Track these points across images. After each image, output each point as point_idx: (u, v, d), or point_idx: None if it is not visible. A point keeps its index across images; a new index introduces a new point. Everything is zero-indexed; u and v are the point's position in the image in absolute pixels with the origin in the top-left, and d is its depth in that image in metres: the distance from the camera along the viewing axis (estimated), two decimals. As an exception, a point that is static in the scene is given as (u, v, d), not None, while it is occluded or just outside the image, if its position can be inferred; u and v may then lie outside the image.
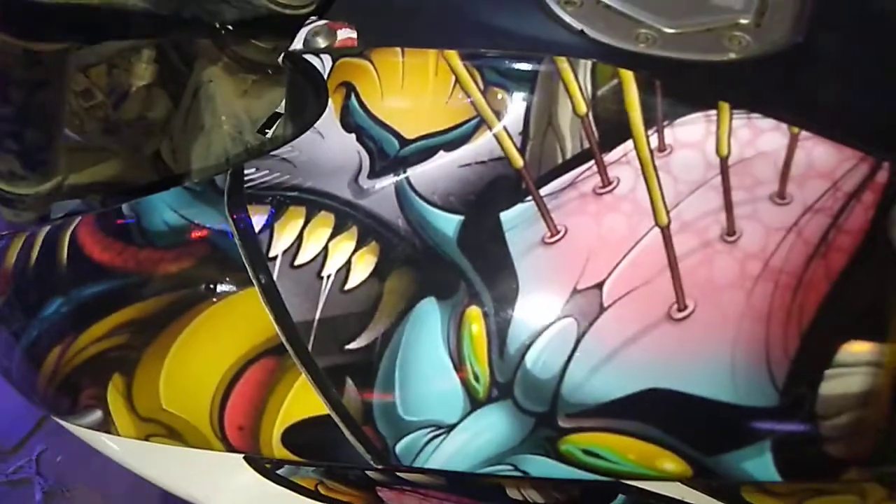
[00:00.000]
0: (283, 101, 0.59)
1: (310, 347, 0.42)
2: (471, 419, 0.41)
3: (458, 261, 0.41)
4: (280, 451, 0.44)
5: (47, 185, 0.59)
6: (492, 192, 0.41)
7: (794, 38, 0.44)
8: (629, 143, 0.40)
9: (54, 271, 0.48)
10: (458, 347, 0.40)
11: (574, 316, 0.39)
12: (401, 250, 0.42)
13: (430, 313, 0.41)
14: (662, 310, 0.38)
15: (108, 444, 0.54)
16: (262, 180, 0.44)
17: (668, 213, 0.39)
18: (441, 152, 0.42)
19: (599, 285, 0.39)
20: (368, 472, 0.48)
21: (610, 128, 0.40)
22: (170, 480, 0.55)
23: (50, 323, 0.47)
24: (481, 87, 0.42)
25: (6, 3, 0.45)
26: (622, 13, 0.45)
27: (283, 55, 0.48)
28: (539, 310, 0.40)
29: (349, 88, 0.44)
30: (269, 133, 0.63)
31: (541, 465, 0.41)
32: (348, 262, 0.42)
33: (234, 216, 0.43)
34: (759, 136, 0.39)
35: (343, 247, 0.42)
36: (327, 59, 0.45)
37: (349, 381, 0.42)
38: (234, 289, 0.43)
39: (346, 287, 0.42)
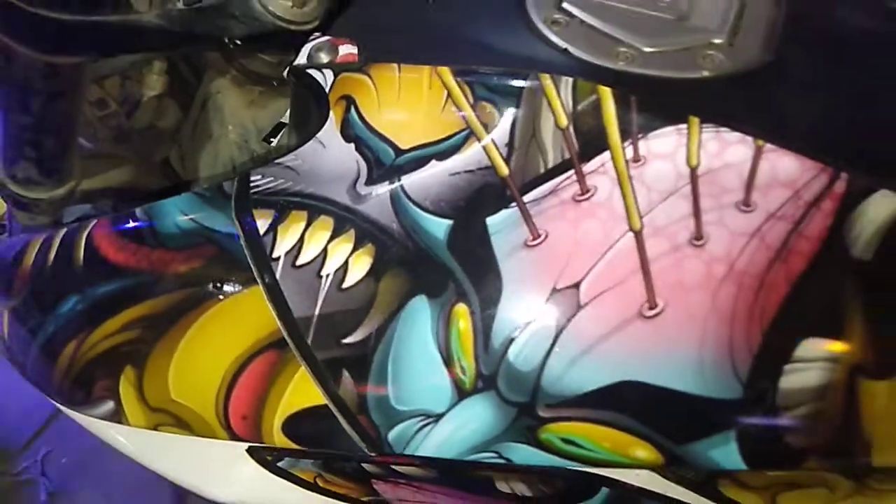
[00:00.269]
0: (288, 112, 0.60)
1: (309, 341, 0.44)
2: (458, 409, 0.43)
3: (448, 262, 0.43)
4: (281, 440, 0.47)
5: (62, 191, 0.59)
6: (479, 199, 0.43)
7: (764, 57, 0.45)
8: (606, 154, 0.42)
9: (71, 270, 0.50)
10: (447, 342, 0.43)
11: (553, 313, 0.41)
12: (394, 252, 0.44)
13: (420, 310, 0.43)
14: (635, 308, 0.40)
15: (117, 438, 0.56)
16: (266, 186, 0.46)
17: (640, 218, 0.41)
18: (433, 161, 0.44)
19: (577, 285, 0.41)
20: (364, 465, 0.50)
21: (589, 140, 0.42)
22: (175, 472, 0.57)
23: (66, 319, 0.50)
24: (471, 101, 0.44)
25: (29, 20, 0.46)
26: (604, 33, 0.46)
27: (287, 69, 0.50)
28: (521, 308, 0.42)
29: (349, 101, 0.46)
30: (274, 142, 0.65)
31: (523, 453, 0.43)
32: (346, 263, 0.44)
33: (241, 220, 0.46)
34: (727, 149, 0.41)
35: (341, 248, 0.44)
36: (329, 73, 0.48)
37: (345, 373, 0.44)
38: (240, 287, 0.46)
39: (344, 286, 0.44)
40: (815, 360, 0.40)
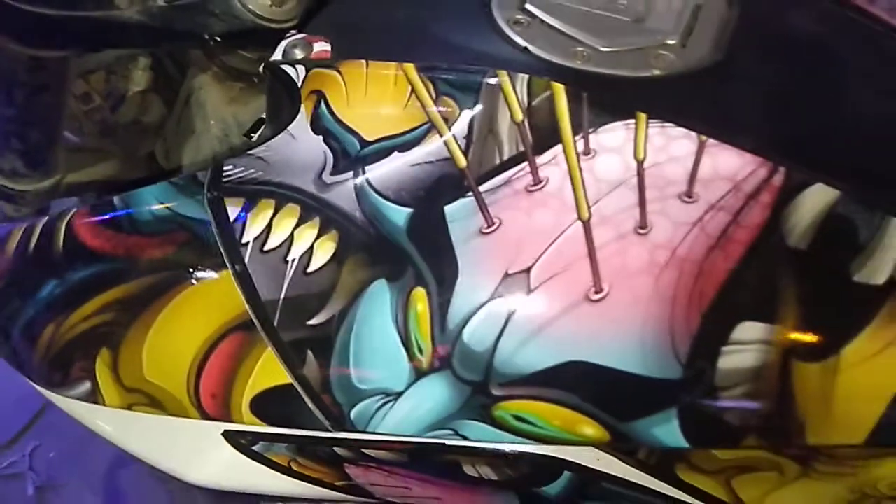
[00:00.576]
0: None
1: (275, 323, 0.46)
2: (415, 387, 0.44)
3: (407, 248, 0.45)
4: (249, 418, 0.48)
5: (47, 183, 0.60)
6: (438, 189, 0.45)
7: (715, 57, 0.47)
8: (558, 147, 0.44)
9: (50, 256, 0.52)
10: (405, 324, 0.44)
11: (505, 297, 0.43)
12: (357, 238, 0.46)
13: (381, 294, 0.45)
14: (581, 292, 0.42)
15: (97, 422, 0.57)
16: (238, 175, 0.48)
17: (589, 208, 0.43)
18: (396, 153, 0.46)
19: (527, 270, 0.43)
20: (336, 450, 0.51)
21: (542, 134, 0.44)
22: (152, 454, 0.58)
23: (45, 303, 0.52)
24: (433, 96, 0.46)
25: (13, 14, 0.48)
26: (563, 33, 0.48)
27: (263, 65, 0.52)
28: (475, 291, 0.43)
29: (319, 96, 0.48)
30: (255, 137, 0.66)
31: (478, 430, 0.45)
32: (311, 248, 0.46)
33: (212, 207, 0.47)
34: (672, 143, 0.43)
35: (307, 235, 0.46)
36: (301, 69, 0.49)
37: (309, 354, 0.46)
38: (210, 271, 0.47)
39: (309, 270, 0.46)
40: (751, 342, 0.41)
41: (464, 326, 0.44)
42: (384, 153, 0.46)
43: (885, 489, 0.46)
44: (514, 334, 0.43)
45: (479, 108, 0.45)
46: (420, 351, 0.44)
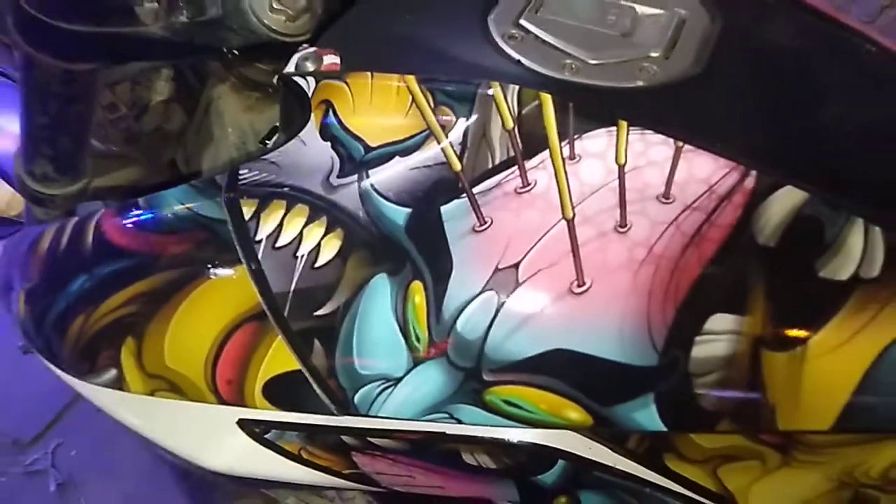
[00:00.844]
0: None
1: (286, 314, 0.49)
2: (413, 373, 0.47)
3: (406, 245, 0.47)
4: (261, 403, 0.51)
5: (75, 187, 0.62)
6: (435, 190, 0.47)
7: (695, 69, 0.50)
8: (546, 153, 0.46)
9: (80, 253, 0.55)
10: (404, 314, 0.47)
11: (495, 289, 0.45)
12: (360, 236, 0.48)
13: (382, 287, 0.48)
14: (565, 286, 0.44)
15: (121, 411, 0.60)
16: (252, 179, 0.50)
17: (573, 208, 0.45)
18: (397, 158, 0.48)
19: (516, 265, 0.45)
20: (344, 438, 0.54)
21: (531, 140, 0.47)
22: (172, 441, 0.61)
23: (76, 296, 0.55)
24: (432, 105, 0.48)
25: (49, 31, 0.49)
26: (554, 46, 0.51)
27: (276, 76, 0.54)
28: (468, 284, 0.46)
29: (328, 105, 0.51)
30: (270, 144, 0.66)
31: (471, 414, 0.47)
32: (318, 245, 0.48)
33: (229, 207, 0.50)
34: (650, 148, 0.45)
35: (315, 233, 0.49)
36: (311, 80, 0.52)
37: (316, 342, 0.48)
38: (227, 266, 0.50)
39: (316, 265, 0.48)
40: (723, 332, 0.43)
41: (458, 317, 0.46)
42: (386, 158, 0.48)
43: (862, 477, 0.48)
44: (503, 324, 0.45)
45: (473, 116, 0.48)
46: (417, 339, 0.47)
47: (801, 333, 0.43)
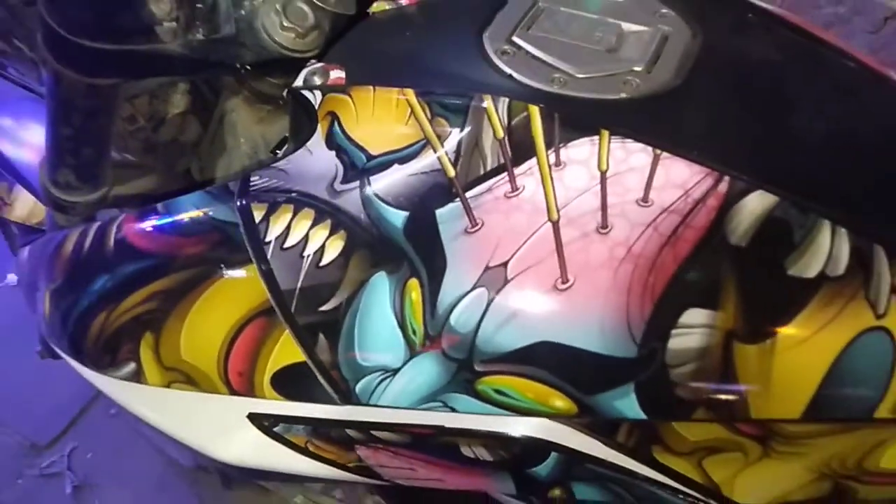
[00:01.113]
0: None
1: (292, 309, 0.51)
2: (410, 364, 0.50)
3: (404, 245, 0.50)
4: (270, 393, 0.54)
5: (96, 195, 0.63)
6: (431, 195, 0.50)
7: (675, 82, 0.52)
8: (533, 160, 0.48)
9: (103, 255, 0.58)
10: (402, 309, 0.50)
11: (486, 286, 0.48)
12: (362, 237, 0.51)
13: (381, 284, 0.50)
14: (550, 282, 0.47)
15: (138, 404, 0.63)
16: (262, 185, 0.53)
17: (558, 211, 0.47)
18: (396, 165, 0.51)
19: (505, 264, 0.48)
20: (348, 432, 0.56)
21: (520, 148, 0.49)
22: (186, 434, 0.64)
23: (98, 294, 0.58)
24: (429, 116, 0.51)
25: (74, 48, 0.51)
26: (543, 61, 0.53)
27: (286, 90, 0.57)
28: (461, 281, 0.48)
29: (333, 117, 0.53)
30: (280, 153, 0.67)
31: (464, 402, 0.50)
32: (323, 246, 0.51)
33: (241, 211, 0.53)
34: (630, 156, 0.48)
35: (320, 234, 0.51)
36: (318, 93, 0.55)
37: (321, 336, 0.51)
38: (239, 266, 0.53)
39: (321, 264, 0.51)
40: (697, 326, 0.46)
41: (451, 312, 0.49)
42: (386, 165, 0.51)
43: (838, 468, 0.49)
44: (493, 318, 0.48)
45: (467, 127, 0.50)
46: (414, 333, 0.50)
47: (771, 327, 0.45)
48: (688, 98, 0.52)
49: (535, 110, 0.49)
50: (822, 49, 0.59)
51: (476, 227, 0.49)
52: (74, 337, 0.61)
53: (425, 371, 0.50)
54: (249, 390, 0.55)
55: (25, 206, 0.96)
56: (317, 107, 0.54)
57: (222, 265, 0.53)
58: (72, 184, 0.62)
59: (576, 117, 0.50)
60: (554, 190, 0.48)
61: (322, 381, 0.52)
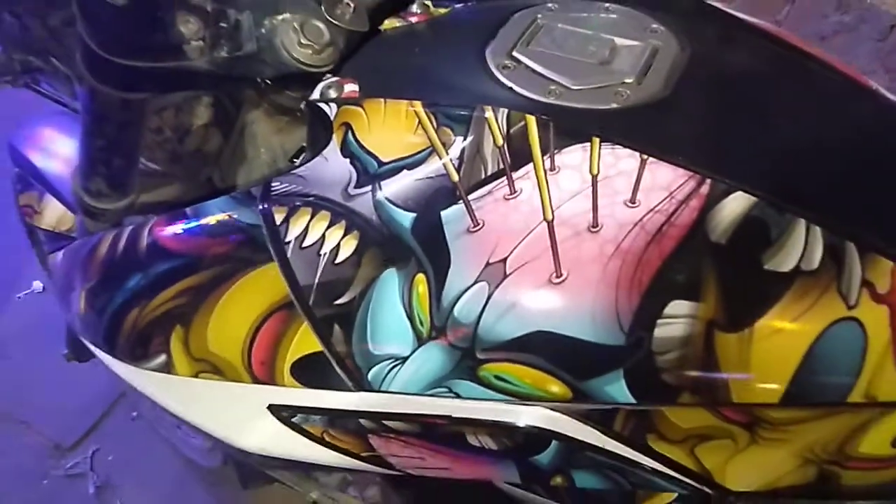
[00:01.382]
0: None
1: (310, 303, 0.54)
2: (418, 353, 0.53)
3: (412, 244, 0.52)
4: (289, 381, 0.57)
5: (124, 202, 0.66)
6: (436, 198, 0.52)
7: (664, 92, 0.55)
8: (530, 165, 0.51)
9: (136, 255, 0.61)
10: (410, 302, 0.52)
11: (487, 280, 0.50)
12: (373, 237, 0.53)
13: (391, 279, 0.53)
14: (546, 277, 0.49)
15: (167, 397, 0.67)
16: (283, 189, 0.56)
17: (553, 212, 0.50)
18: (405, 171, 0.53)
19: (504, 260, 0.50)
20: (361, 422, 0.59)
21: (517, 154, 0.52)
22: (210, 424, 0.67)
23: (132, 292, 0.61)
24: (435, 126, 0.54)
25: (110, 66, 0.54)
26: (541, 74, 0.57)
27: (304, 103, 0.61)
28: (463, 276, 0.51)
29: (347, 127, 0.56)
30: (298, 161, 0.68)
31: (467, 388, 0.53)
32: (338, 245, 0.54)
33: (263, 214, 0.55)
34: (619, 161, 0.50)
35: (335, 234, 0.54)
36: (333, 106, 0.58)
37: (336, 327, 0.54)
38: (261, 264, 0.56)
39: (336, 261, 0.54)
40: (681, 316, 0.48)
41: (455, 304, 0.51)
42: (396, 171, 0.54)
43: (821, 453, 0.52)
44: (493, 310, 0.50)
45: (470, 135, 0.53)
46: (421, 324, 0.52)
47: (749, 317, 0.48)
48: (674, 108, 0.55)
49: (531, 120, 0.53)
50: (805, 61, 0.62)
51: (478, 227, 0.51)
52: (109, 332, 0.65)
53: (432, 359, 0.53)
54: (271, 378, 0.58)
55: (54, 215, 0.98)
56: (332, 118, 0.58)
57: (246, 263, 0.57)
58: (103, 191, 0.65)
59: (569, 126, 0.53)
60: (549, 192, 0.51)
61: (337, 369, 0.55)
